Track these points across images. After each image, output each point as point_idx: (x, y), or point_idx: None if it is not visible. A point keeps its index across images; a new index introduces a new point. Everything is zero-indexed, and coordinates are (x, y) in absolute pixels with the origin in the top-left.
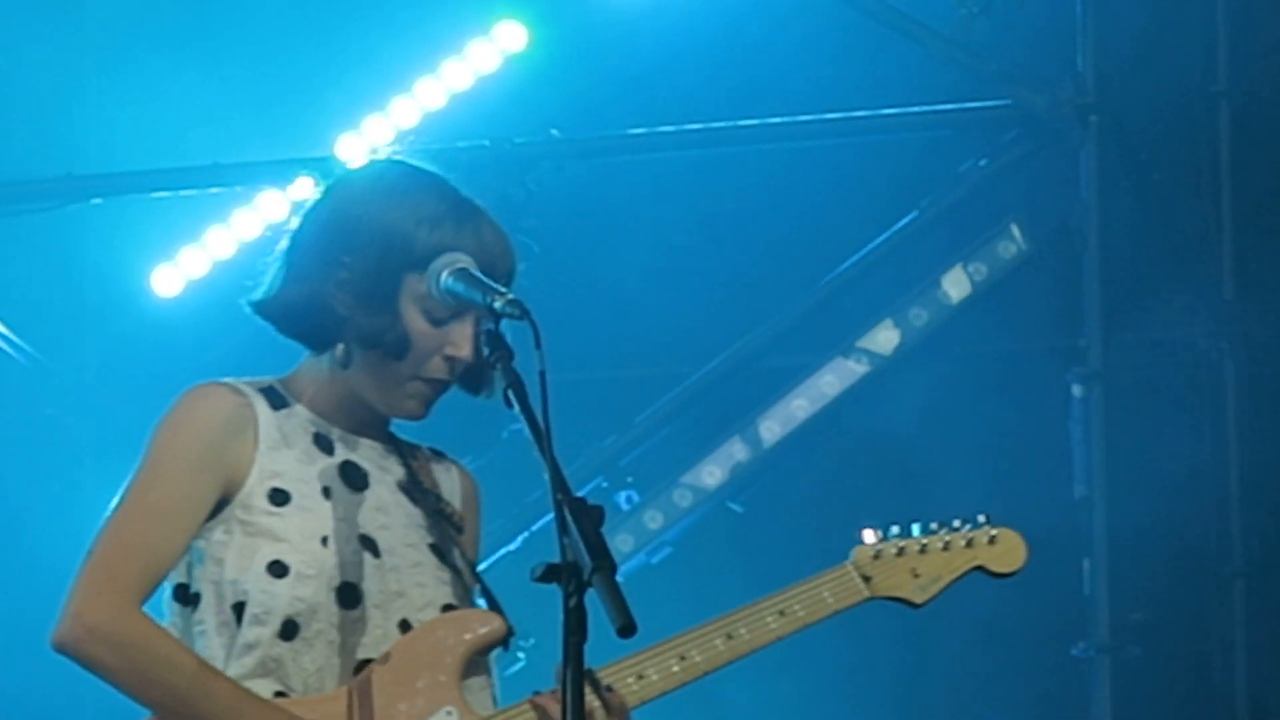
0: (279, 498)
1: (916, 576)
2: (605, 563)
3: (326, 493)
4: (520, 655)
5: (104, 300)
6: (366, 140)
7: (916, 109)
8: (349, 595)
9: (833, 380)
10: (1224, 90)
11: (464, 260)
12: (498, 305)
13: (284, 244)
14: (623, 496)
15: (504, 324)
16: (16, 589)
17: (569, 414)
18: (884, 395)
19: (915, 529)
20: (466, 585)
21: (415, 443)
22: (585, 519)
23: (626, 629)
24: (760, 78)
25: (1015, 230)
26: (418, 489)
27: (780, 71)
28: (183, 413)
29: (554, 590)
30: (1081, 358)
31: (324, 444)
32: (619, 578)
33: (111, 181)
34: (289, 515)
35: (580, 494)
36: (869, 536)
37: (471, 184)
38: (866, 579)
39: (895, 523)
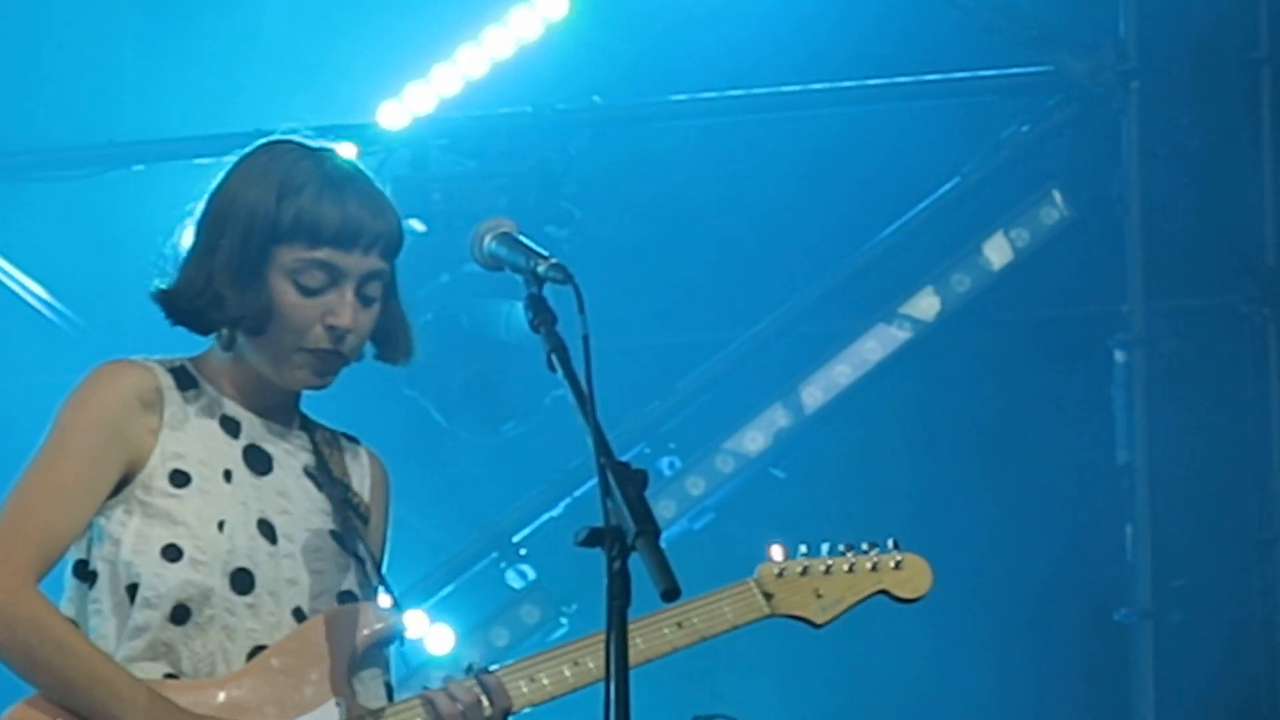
0: (179, 479)
1: (820, 596)
2: (649, 527)
3: (228, 476)
4: (563, 621)
5: (145, 266)
6: (408, 107)
7: (958, 75)
8: (242, 581)
9: (875, 346)
10: (1265, 56)
11: (507, 225)
12: (541, 269)
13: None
14: (665, 462)
15: (547, 289)
16: None
17: (611, 380)
18: (926, 361)
19: (824, 549)
20: (368, 574)
21: (330, 428)
22: (629, 483)
23: (670, 593)
24: (803, 44)
25: (1057, 196)
26: (325, 475)
27: (823, 37)
28: (88, 390)
29: (597, 555)
30: (1123, 324)
31: (230, 427)
32: (661, 544)
33: (153, 148)
34: (188, 498)
35: (623, 460)
36: (775, 553)
37: (513, 150)
38: (769, 596)
39: (823, 539)
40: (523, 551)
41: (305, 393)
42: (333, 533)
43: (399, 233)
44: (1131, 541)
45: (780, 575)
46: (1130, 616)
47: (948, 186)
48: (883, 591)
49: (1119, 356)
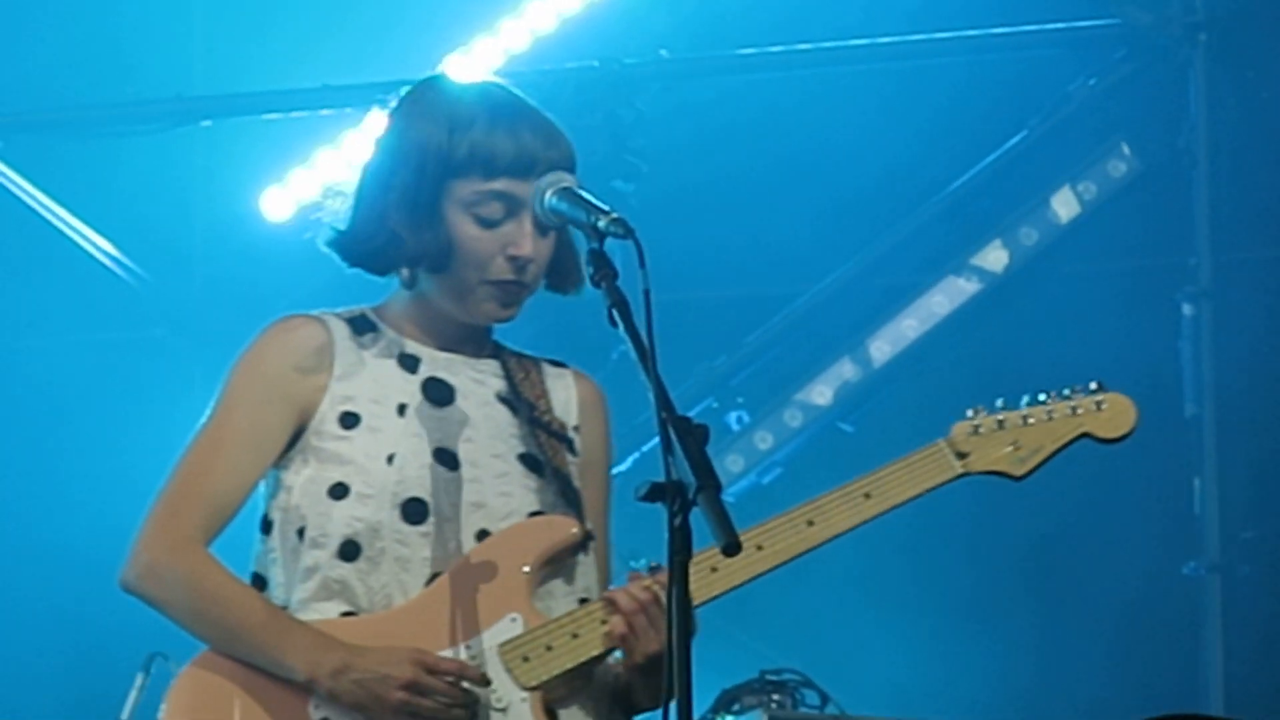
0: (349, 421)
1: (1017, 449)
2: (710, 481)
3: (401, 410)
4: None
5: (213, 222)
6: (476, 62)
7: (1025, 28)
8: (415, 510)
9: (943, 300)
10: None
11: (568, 180)
12: (601, 224)
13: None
14: (733, 417)
15: (614, 245)
16: (136, 509)
17: (679, 334)
18: (994, 315)
19: (1024, 401)
20: (562, 494)
21: (531, 355)
22: (690, 438)
23: (731, 547)
24: None
25: (1124, 149)
26: (517, 400)
27: None
28: (255, 347)
29: (663, 511)
30: (1191, 276)
31: (408, 363)
32: (729, 498)
33: (221, 103)
34: (356, 438)
35: (689, 414)
36: (971, 411)
37: (580, 105)
38: (962, 455)
39: (1001, 397)
40: None
41: None
42: (522, 456)
43: (573, 159)
44: (1200, 494)
45: (975, 432)
46: (1199, 570)
47: (1015, 140)
48: (1085, 435)
49: (1186, 309)
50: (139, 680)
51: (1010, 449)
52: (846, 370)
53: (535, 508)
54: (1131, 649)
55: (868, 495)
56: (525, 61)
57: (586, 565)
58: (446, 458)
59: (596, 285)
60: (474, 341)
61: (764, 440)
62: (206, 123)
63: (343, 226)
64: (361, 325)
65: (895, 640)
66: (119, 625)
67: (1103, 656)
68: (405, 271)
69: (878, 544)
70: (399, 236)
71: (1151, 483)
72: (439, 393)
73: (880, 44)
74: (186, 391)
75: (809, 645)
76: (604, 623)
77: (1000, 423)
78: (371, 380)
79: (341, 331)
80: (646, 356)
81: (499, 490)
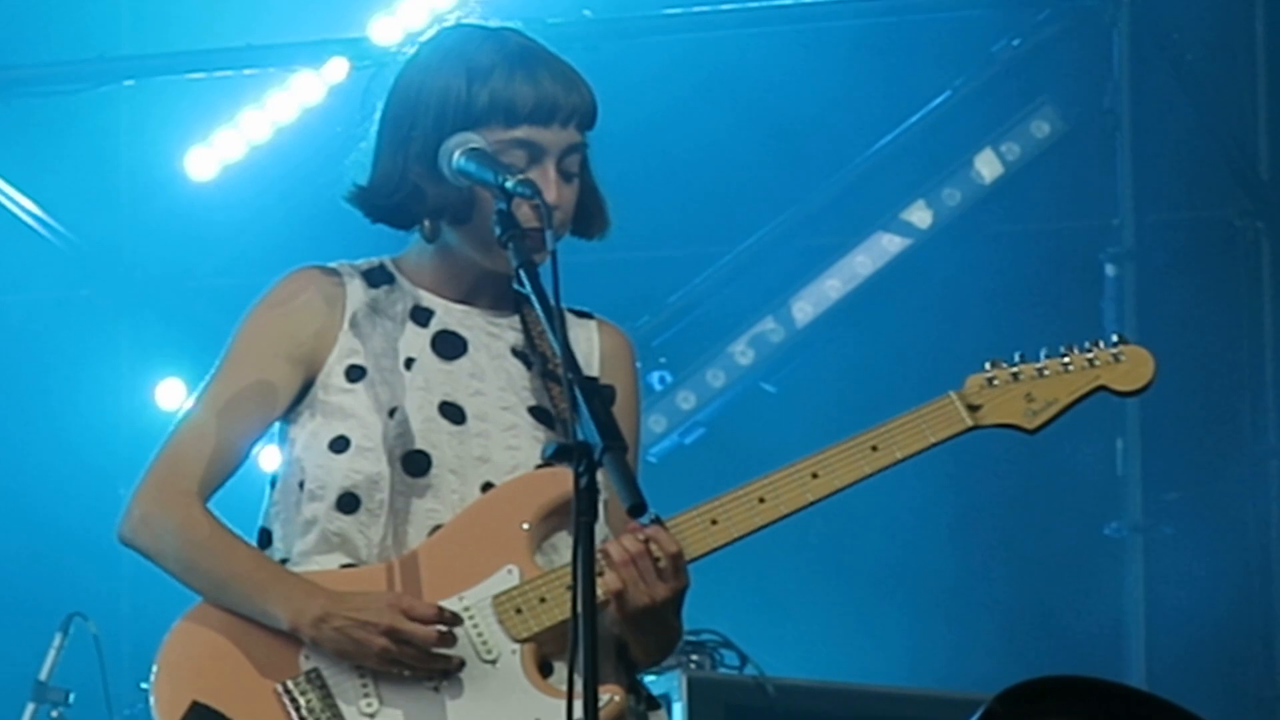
0: (354, 374)
1: (1030, 401)
2: (616, 442)
3: (409, 364)
4: None
5: (138, 182)
6: (400, 21)
7: None
8: (418, 462)
9: (865, 260)
10: None
11: (475, 140)
12: (509, 184)
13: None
14: (655, 377)
15: None
16: (59, 468)
17: (601, 294)
18: (915, 276)
19: (1041, 353)
20: None
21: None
22: (596, 398)
23: (637, 508)
24: None
25: (1048, 109)
26: (532, 353)
27: None
28: (267, 299)
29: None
30: (1115, 237)
31: (420, 316)
32: (651, 458)
33: (145, 63)
34: (360, 391)
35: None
36: (988, 365)
37: None
38: (974, 408)
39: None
40: None
41: None
42: (532, 409)
43: (594, 104)
44: (1122, 455)
45: (991, 383)
46: (1121, 530)
47: (938, 100)
48: (1101, 388)
49: (1110, 270)
50: (57, 640)
51: (1024, 401)
52: (769, 329)
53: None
54: (1055, 608)
55: (874, 448)
56: (450, 23)
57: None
58: (452, 411)
59: (504, 246)
60: (496, 294)
61: (686, 400)
62: (130, 82)
63: (361, 180)
64: (377, 277)
65: (815, 603)
66: (37, 585)
67: (1026, 614)
68: (427, 224)
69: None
70: (420, 189)
71: (1075, 444)
72: (449, 346)
73: (805, 3)
74: (113, 352)
75: (729, 608)
76: (600, 574)
77: (1015, 375)
78: (381, 334)
79: (355, 284)
80: (553, 316)
81: (506, 444)
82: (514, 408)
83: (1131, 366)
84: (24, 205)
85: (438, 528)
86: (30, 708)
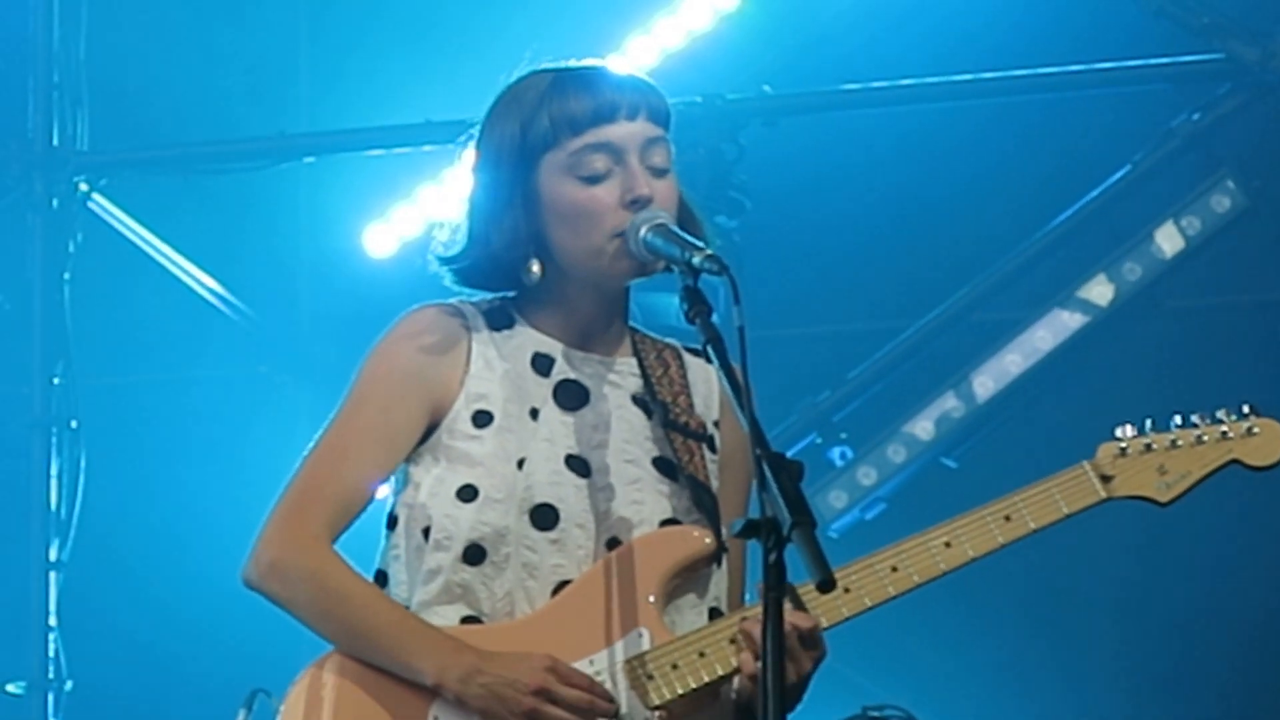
0: (482, 419)
1: (1163, 474)
2: (805, 518)
3: (534, 414)
4: None
5: (317, 259)
6: None
7: (1130, 63)
8: (545, 516)
9: (1046, 335)
10: None
11: (663, 217)
12: (696, 261)
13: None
14: (836, 453)
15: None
16: (240, 544)
17: (782, 369)
18: (1097, 351)
19: (1174, 421)
20: (695, 500)
21: (673, 343)
22: (785, 474)
23: (826, 584)
24: (974, 33)
25: (1229, 183)
26: (653, 400)
27: (994, 26)
28: (389, 339)
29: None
30: None
31: (542, 364)
32: (832, 534)
33: (323, 140)
34: (488, 439)
35: (792, 450)
36: (1119, 432)
37: (683, 141)
38: (1106, 479)
39: (1150, 416)
40: None
41: None
42: (656, 460)
43: (661, 99)
44: None
45: (1123, 454)
46: None
47: (1119, 175)
48: (1234, 461)
49: None
50: (241, 716)
51: (1157, 474)
52: (950, 405)
53: (668, 515)
54: (1249, 671)
55: (1007, 518)
56: None
57: (719, 575)
58: (578, 464)
59: (691, 321)
60: (610, 336)
61: (867, 476)
62: (309, 159)
63: (470, 257)
64: (499, 319)
65: (997, 674)
66: (222, 661)
67: (1207, 682)
68: (535, 266)
69: (974, 577)
70: (521, 236)
71: (1246, 543)
72: (572, 397)
73: (985, 79)
74: (292, 428)
75: (911, 680)
76: (732, 640)
77: (1148, 446)
78: (505, 379)
79: (478, 322)
80: (742, 393)
81: (631, 498)
82: (638, 460)
83: (1265, 441)
84: (204, 282)
85: (564, 584)
86: None
